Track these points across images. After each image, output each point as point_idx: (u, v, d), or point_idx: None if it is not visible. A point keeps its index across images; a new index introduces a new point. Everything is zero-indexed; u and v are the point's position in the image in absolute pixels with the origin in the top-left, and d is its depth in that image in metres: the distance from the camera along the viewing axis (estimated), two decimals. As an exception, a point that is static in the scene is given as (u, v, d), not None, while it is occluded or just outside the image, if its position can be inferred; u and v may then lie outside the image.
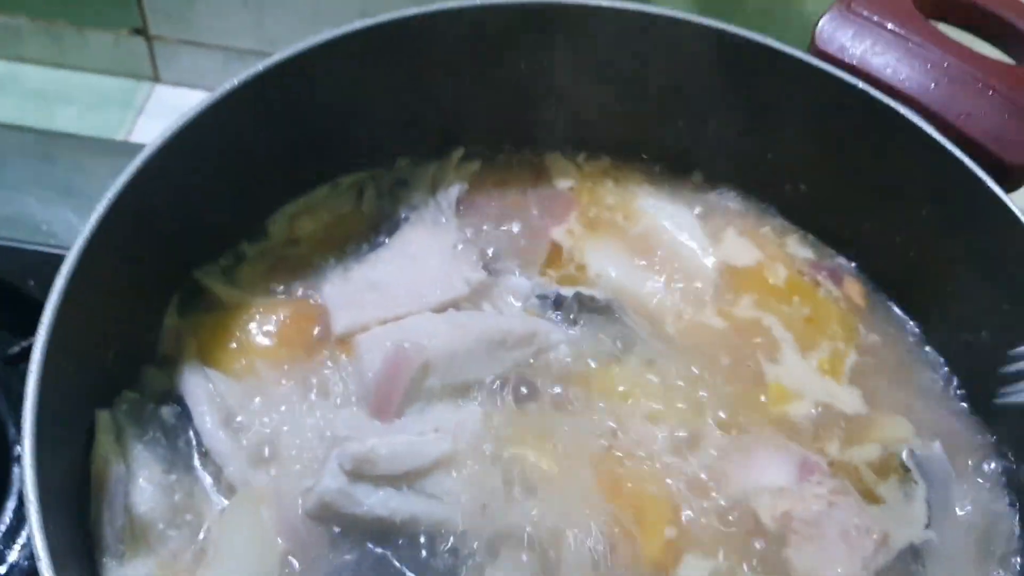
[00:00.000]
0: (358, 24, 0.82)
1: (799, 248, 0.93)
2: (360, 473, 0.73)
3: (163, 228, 0.78)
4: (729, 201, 0.95)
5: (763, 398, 0.82)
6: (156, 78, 1.42)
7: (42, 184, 1.12)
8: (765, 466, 0.76)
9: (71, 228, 1.08)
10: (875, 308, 0.90)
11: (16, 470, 0.94)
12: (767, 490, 0.76)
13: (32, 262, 1.01)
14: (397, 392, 0.77)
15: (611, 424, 0.78)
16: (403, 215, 0.92)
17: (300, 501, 0.74)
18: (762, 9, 1.20)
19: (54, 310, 0.65)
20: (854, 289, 0.91)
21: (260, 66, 0.78)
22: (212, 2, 1.32)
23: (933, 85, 0.84)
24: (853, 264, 0.93)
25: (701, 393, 0.80)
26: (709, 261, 0.90)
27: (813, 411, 0.82)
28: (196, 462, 0.77)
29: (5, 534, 0.87)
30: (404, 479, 0.74)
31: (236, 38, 1.36)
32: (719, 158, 0.94)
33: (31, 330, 0.92)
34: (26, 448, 0.61)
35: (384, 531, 0.73)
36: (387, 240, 0.90)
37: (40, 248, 1.03)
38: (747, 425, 0.80)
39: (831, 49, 0.87)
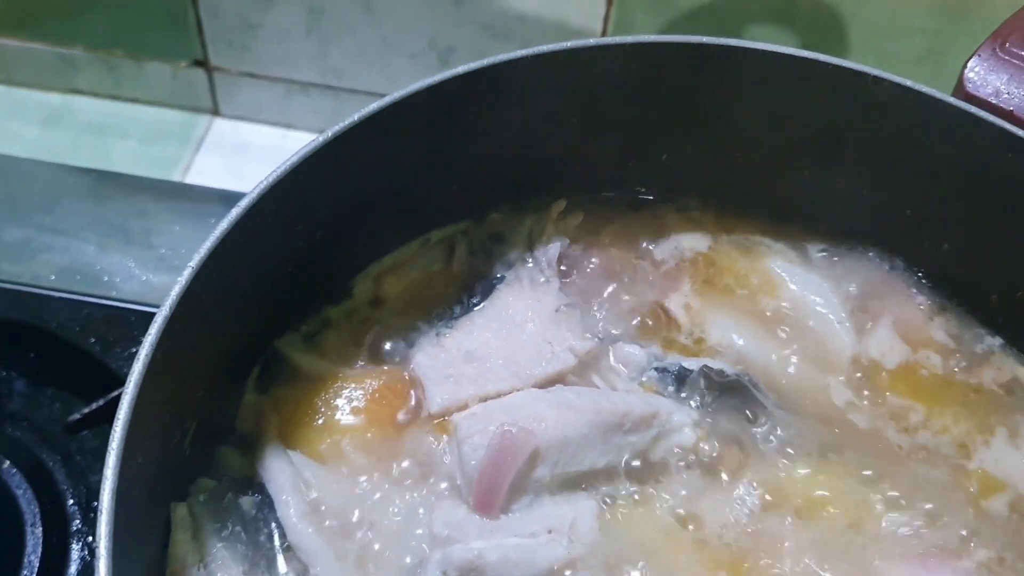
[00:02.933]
0: (460, 69, 0.74)
1: (941, 328, 0.83)
2: (466, 582, 0.65)
3: (245, 296, 0.71)
4: (863, 264, 0.85)
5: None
6: (215, 111, 1.36)
7: (99, 230, 1.05)
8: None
9: (133, 279, 1.01)
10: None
11: (75, 546, 0.87)
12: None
13: (93, 317, 0.95)
14: (503, 484, 0.68)
15: (756, 527, 0.69)
16: (498, 274, 0.84)
17: (397, 610, 0.66)
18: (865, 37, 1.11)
19: (131, 401, 0.58)
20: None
21: (356, 116, 0.71)
22: (275, 30, 1.25)
23: (1104, 136, 0.74)
24: (999, 340, 0.83)
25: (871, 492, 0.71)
26: (848, 336, 0.80)
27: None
28: (279, 560, 0.69)
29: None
30: (515, 589, 0.65)
31: (299, 70, 1.29)
32: (849, 213, 0.85)
33: (92, 392, 0.86)
34: (101, 567, 0.53)
35: (493, 648, 0.65)
36: (481, 302, 0.82)
37: (102, 301, 0.96)
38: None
39: (983, 94, 0.78)
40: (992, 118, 0.75)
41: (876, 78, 0.77)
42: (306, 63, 1.28)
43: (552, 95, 0.80)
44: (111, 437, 0.56)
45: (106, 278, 1.01)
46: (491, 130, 0.80)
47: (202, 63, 1.31)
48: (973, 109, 0.76)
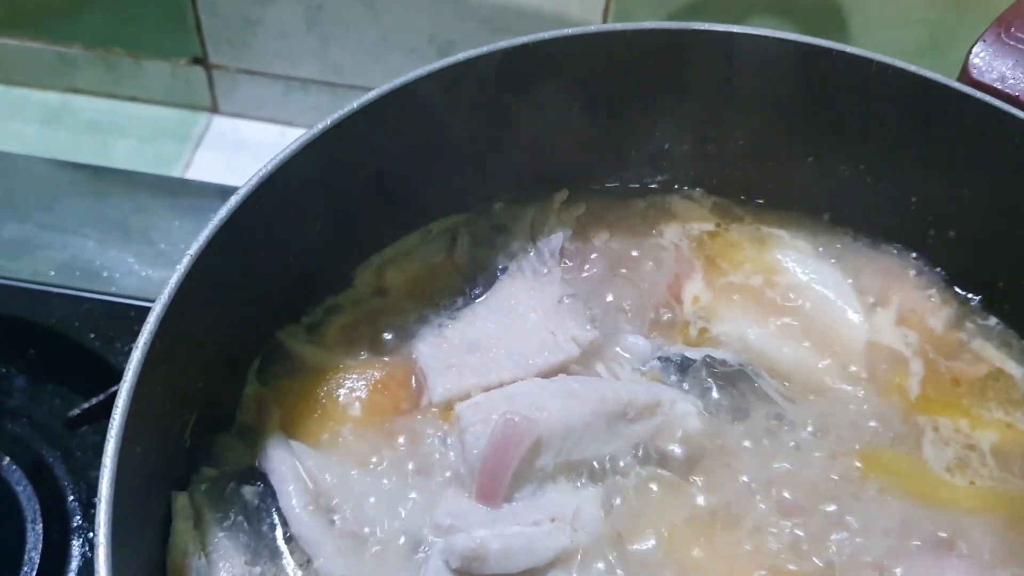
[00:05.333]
0: (459, 56, 0.74)
1: (950, 317, 0.82)
2: (468, 572, 0.64)
3: (244, 286, 0.70)
4: (871, 253, 0.84)
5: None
6: (214, 109, 1.36)
7: (99, 226, 1.04)
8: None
9: (132, 275, 1.00)
10: None
11: (75, 543, 0.86)
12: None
13: (93, 313, 0.94)
14: (506, 473, 0.68)
15: (751, 511, 0.68)
16: (500, 265, 0.83)
17: (400, 601, 0.65)
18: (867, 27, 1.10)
19: (130, 389, 0.57)
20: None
21: (355, 104, 0.70)
22: (274, 27, 1.25)
23: (1111, 121, 0.74)
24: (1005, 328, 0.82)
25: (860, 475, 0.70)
26: (860, 325, 0.80)
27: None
28: (282, 550, 0.68)
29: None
30: (518, 578, 0.65)
31: (298, 67, 1.29)
32: (853, 200, 0.84)
33: (92, 388, 0.85)
34: (100, 554, 0.53)
35: (497, 638, 0.64)
36: (483, 293, 0.81)
37: (101, 297, 0.95)
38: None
39: (988, 80, 0.77)
40: (998, 103, 0.75)
41: (880, 64, 0.77)
42: (305, 60, 1.27)
43: (553, 83, 0.79)
44: (110, 425, 0.56)
45: (105, 274, 1.00)
46: (491, 119, 0.80)
47: (201, 61, 1.30)
48: (979, 94, 0.76)
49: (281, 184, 0.68)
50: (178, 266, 0.62)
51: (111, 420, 0.55)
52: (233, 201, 0.65)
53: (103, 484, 0.54)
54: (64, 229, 1.04)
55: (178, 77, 1.33)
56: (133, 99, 1.36)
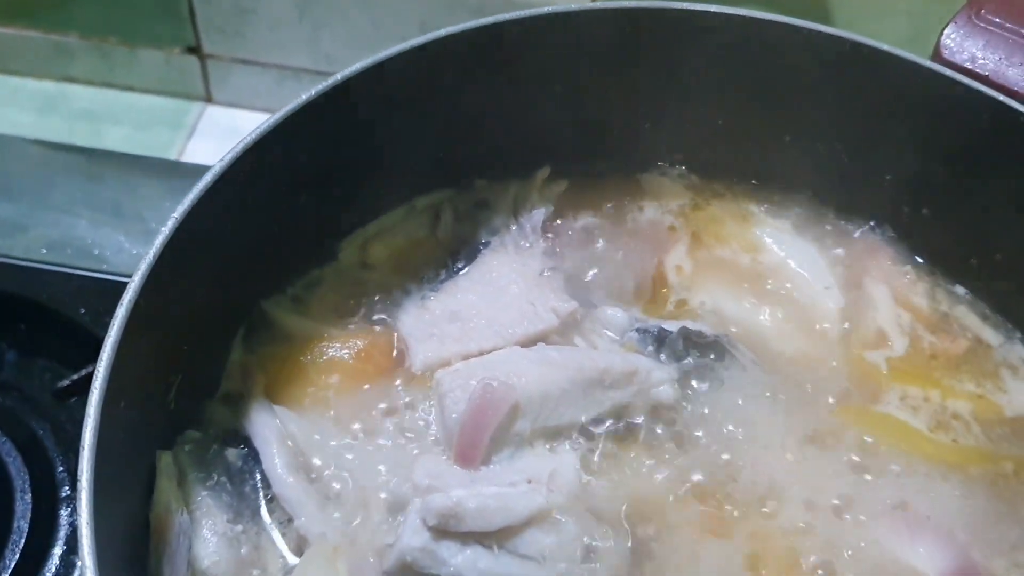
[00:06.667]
0: (441, 32, 0.75)
1: (924, 294, 0.84)
2: (445, 529, 0.65)
3: (229, 254, 0.72)
4: (849, 230, 0.86)
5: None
6: (208, 98, 1.37)
7: (91, 206, 1.06)
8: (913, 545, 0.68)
9: (123, 252, 1.02)
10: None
11: (63, 512, 0.87)
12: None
13: (83, 289, 0.95)
14: (484, 437, 0.69)
15: (723, 473, 0.70)
16: (483, 240, 0.85)
17: (379, 559, 0.66)
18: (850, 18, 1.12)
19: (115, 344, 0.59)
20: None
21: (339, 76, 0.72)
22: (267, 16, 1.26)
23: (1080, 98, 0.76)
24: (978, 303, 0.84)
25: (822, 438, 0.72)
26: (833, 301, 0.81)
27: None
28: (264, 510, 0.69)
29: (51, 582, 0.81)
30: (494, 537, 0.66)
31: (291, 56, 1.30)
32: (830, 179, 0.86)
33: (81, 362, 0.86)
34: (83, 498, 0.54)
35: (472, 596, 0.65)
36: (466, 267, 0.83)
37: (92, 274, 0.97)
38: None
39: (960, 60, 0.79)
40: (969, 81, 0.77)
41: (854, 43, 0.78)
42: (298, 49, 1.29)
43: (536, 61, 0.81)
44: (94, 376, 0.57)
45: (97, 251, 1.01)
46: (474, 96, 0.81)
47: (195, 50, 1.32)
48: (950, 73, 0.77)
49: (266, 153, 0.70)
50: (163, 228, 0.63)
51: (96, 371, 0.57)
52: (219, 167, 0.67)
53: (87, 433, 0.55)
54: (57, 209, 1.06)
55: (172, 66, 1.34)
56: (128, 88, 1.37)
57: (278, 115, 0.69)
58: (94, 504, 0.54)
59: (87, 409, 0.56)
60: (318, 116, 0.72)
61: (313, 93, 0.71)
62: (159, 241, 0.63)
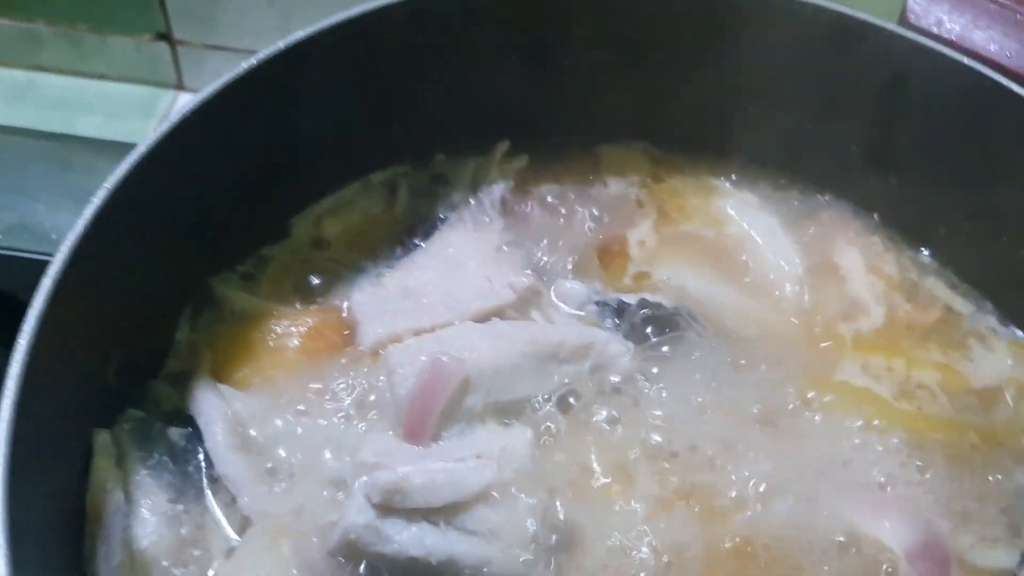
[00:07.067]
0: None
1: (892, 263, 0.82)
2: (390, 506, 0.63)
3: (171, 229, 0.70)
4: (814, 202, 0.84)
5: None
6: (180, 85, 1.35)
7: (54, 191, 1.04)
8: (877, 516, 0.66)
9: (81, 236, 0.99)
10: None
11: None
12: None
13: (39, 274, 0.93)
14: (433, 412, 0.67)
15: (681, 446, 0.68)
16: (441, 216, 0.83)
17: (323, 537, 0.64)
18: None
19: (39, 314, 0.57)
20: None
21: (282, 44, 0.70)
22: (237, 2, 1.25)
23: (1047, 61, 0.74)
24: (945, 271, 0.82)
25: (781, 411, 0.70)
26: (796, 272, 0.80)
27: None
28: (207, 490, 0.67)
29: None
30: (441, 513, 0.64)
31: (262, 41, 1.25)
32: (794, 150, 0.84)
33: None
34: None
35: (418, 573, 0.63)
36: (423, 243, 0.81)
37: (49, 259, 0.94)
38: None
39: (926, 24, 0.77)
40: (935, 45, 0.75)
41: (816, 7, 0.76)
42: (269, 34, 1.24)
43: (492, 32, 0.79)
44: (15, 348, 0.55)
45: (55, 236, 0.99)
46: (430, 67, 0.79)
47: (165, 36, 1.30)
48: (914, 36, 0.75)
49: (204, 126, 0.68)
50: (93, 199, 0.62)
51: (17, 341, 0.55)
52: (153, 138, 0.65)
53: (4, 405, 0.53)
54: (17, 193, 1.04)
55: (143, 53, 1.32)
56: (99, 76, 1.35)
57: (216, 85, 0.68)
58: (11, 487, 0.52)
59: (6, 381, 0.54)
60: (259, 88, 0.71)
61: (254, 61, 0.69)
62: (89, 211, 0.61)
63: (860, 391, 0.72)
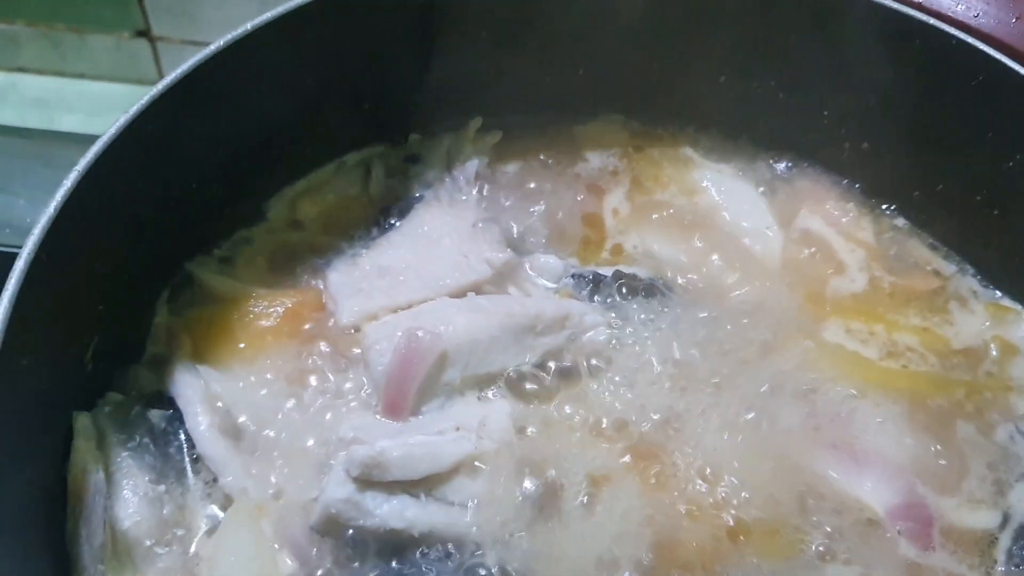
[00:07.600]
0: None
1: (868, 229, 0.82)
2: (370, 480, 0.63)
3: (145, 214, 0.70)
4: (789, 170, 0.85)
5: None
6: (161, 82, 1.35)
7: (35, 186, 1.04)
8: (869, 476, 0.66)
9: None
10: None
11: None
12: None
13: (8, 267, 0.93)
14: (411, 387, 0.68)
15: (661, 415, 0.68)
16: (416, 194, 0.83)
17: (304, 514, 0.65)
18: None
19: (12, 297, 0.57)
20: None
21: (249, 25, 0.70)
22: (215, -5, 1.25)
23: (1014, 20, 0.74)
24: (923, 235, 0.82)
25: (760, 376, 0.70)
26: (774, 241, 0.80)
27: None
28: (188, 470, 0.68)
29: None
30: (421, 485, 0.64)
31: (242, 35, 1.28)
32: (768, 118, 0.84)
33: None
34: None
35: (401, 544, 0.63)
36: (399, 222, 0.81)
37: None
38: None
39: (891, -14, 0.77)
40: (899, 6, 0.75)
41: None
42: (247, 27, 1.27)
43: (464, 11, 0.79)
44: (-12, 328, 0.55)
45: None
46: (397, 44, 0.79)
47: (144, 33, 1.30)
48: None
49: (178, 104, 0.68)
50: (65, 181, 0.62)
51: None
52: (123, 120, 0.65)
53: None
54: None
55: (123, 51, 1.32)
56: (79, 75, 1.35)
57: (181, 69, 0.68)
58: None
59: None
60: (226, 71, 0.71)
61: (222, 43, 0.69)
62: (59, 195, 0.61)
63: (845, 354, 0.72)
